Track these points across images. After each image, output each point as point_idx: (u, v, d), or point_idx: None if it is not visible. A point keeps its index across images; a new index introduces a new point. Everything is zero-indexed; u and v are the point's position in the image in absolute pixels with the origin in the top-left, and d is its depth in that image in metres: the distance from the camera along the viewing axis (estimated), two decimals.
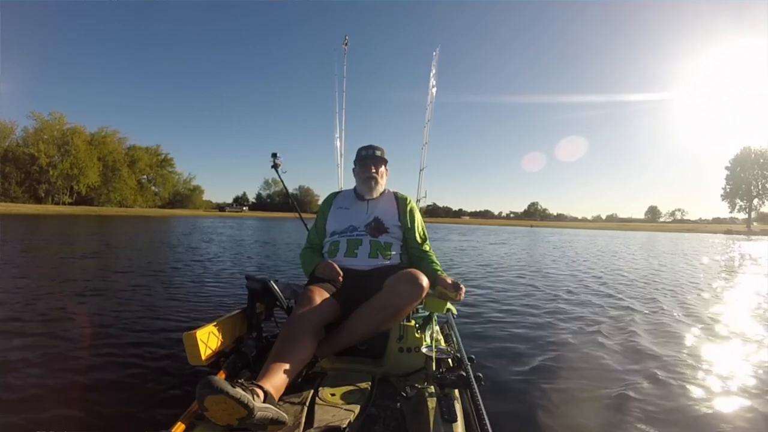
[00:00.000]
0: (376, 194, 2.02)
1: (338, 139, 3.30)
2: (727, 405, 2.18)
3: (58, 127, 54.40)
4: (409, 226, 2.00)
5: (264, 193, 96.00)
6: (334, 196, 2.14)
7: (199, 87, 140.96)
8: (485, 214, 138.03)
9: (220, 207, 79.30)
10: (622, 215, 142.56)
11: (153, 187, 67.74)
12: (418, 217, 2.07)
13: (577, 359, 2.84)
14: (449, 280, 1.73)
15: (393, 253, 1.89)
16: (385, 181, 2.09)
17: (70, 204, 53.47)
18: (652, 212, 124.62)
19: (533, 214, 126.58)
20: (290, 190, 2.99)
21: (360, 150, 2.08)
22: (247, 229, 23.00)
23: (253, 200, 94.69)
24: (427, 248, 2.00)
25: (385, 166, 2.08)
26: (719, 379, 2.53)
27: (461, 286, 1.71)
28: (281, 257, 9.59)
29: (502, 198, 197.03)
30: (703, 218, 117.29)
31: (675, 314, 4.30)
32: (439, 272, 1.85)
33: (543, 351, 2.96)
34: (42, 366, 2.41)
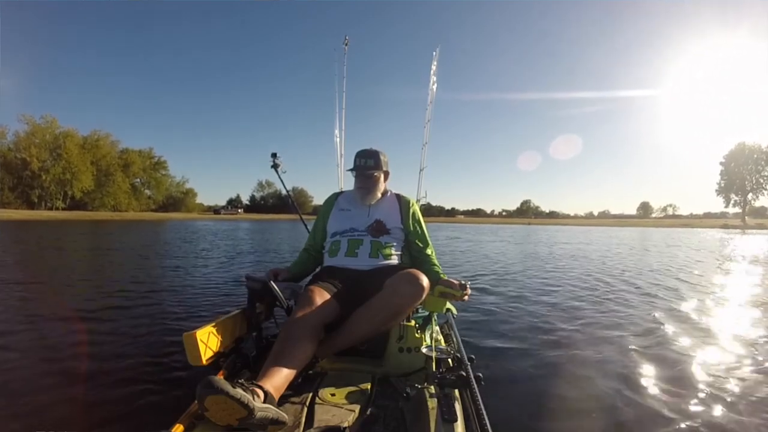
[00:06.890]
0: (371, 201, 1.99)
1: (338, 139, 3.29)
2: (733, 406, 2.15)
3: (50, 131, 53.46)
4: (412, 229, 1.99)
5: (257, 195, 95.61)
6: (335, 197, 2.12)
7: (186, 88, 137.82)
8: (478, 213, 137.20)
9: (215, 210, 78.60)
10: (613, 211, 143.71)
11: (146, 191, 66.97)
12: (421, 220, 2.06)
13: (578, 359, 2.85)
14: (454, 281, 1.73)
15: (394, 253, 1.89)
16: (383, 185, 2.06)
17: (63, 209, 52.81)
18: (644, 208, 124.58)
19: (526, 212, 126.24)
20: (286, 192, 2.97)
21: (355, 157, 2.02)
22: (244, 230, 22.92)
23: (247, 202, 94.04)
24: (430, 252, 1.99)
25: (382, 172, 2.03)
26: (727, 379, 2.50)
27: (467, 285, 1.71)
28: (280, 256, 9.58)
29: (493, 196, 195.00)
30: (694, 213, 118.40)
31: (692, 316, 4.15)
32: (441, 274, 1.85)
33: (543, 351, 2.97)
34: (41, 367, 2.42)
